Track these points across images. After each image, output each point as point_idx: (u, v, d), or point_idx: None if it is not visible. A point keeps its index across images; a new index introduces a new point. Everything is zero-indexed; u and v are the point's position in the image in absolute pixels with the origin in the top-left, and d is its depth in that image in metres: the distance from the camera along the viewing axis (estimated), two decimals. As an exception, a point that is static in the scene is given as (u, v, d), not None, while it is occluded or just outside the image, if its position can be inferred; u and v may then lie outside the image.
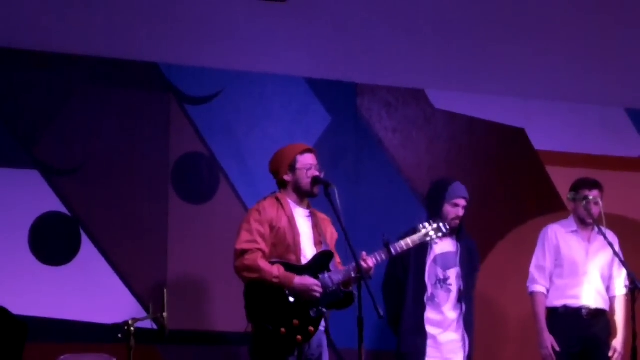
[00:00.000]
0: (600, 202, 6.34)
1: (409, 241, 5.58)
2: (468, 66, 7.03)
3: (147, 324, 6.15)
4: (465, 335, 6.15)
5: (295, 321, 5.25)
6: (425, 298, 6.12)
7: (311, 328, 5.28)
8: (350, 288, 5.35)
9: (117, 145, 6.66)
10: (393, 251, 5.48)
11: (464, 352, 6.14)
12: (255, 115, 6.98)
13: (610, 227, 6.33)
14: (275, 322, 5.24)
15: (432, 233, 5.69)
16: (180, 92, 6.83)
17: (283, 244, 5.40)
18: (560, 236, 6.45)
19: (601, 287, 6.41)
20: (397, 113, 7.34)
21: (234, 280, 5.45)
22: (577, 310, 6.32)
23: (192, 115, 6.85)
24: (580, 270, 6.38)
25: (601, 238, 6.17)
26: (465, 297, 6.16)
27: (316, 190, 5.47)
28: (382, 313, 4.87)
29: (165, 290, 6.28)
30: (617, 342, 6.35)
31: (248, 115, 6.96)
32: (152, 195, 6.68)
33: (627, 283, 5.93)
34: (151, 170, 6.71)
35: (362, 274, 5.05)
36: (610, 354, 6.31)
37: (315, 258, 5.40)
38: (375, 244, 5.46)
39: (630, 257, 6.27)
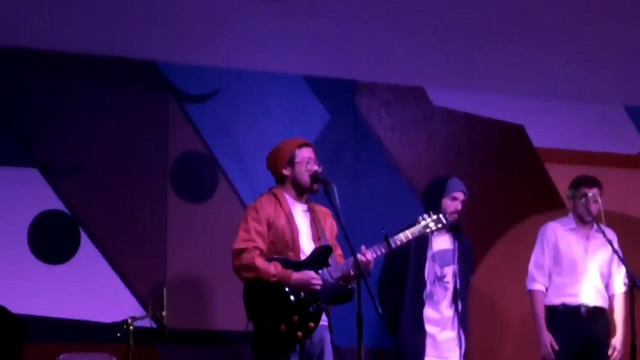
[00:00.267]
0: (600, 200, 6.33)
1: (408, 233, 5.53)
2: (467, 64, 7.03)
3: (147, 322, 6.14)
4: (461, 333, 6.15)
5: (295, 317, 5.25)
6: (424, 295, 6.12)
7: (311, 324, 5.28)
8: (349, 285, 5.35)
9: (116, 144, 6.66)
10: (392, 244, 5.44)
11: (460, 350, 6.15)
12: (254, 113, 6.97)
13: (609, 224, 6.33)
14: (274, 320, 5.24)
15: (431, 224, 5.63)
16: (179, 90, 6.83)
17: (281, 241, 5.40)
18: (559, 234, 6.45)
19: (600, 285, 6.40)
20: (396, 111, 7.33)
21: (234, 278, 5.44)
22: (576, 309, 6.32)
23: (191, 114, 6.84)
24: (579, 268, 6.37)
25: (600, 236, 6.17)
26: (461, 295, 6.16)
27: (315, 187, 5.47)
28: (380, 310, 4.86)
29: (164, 289, 6.27)
30: (616, 340, 6.34)
31: (247, 114, 6.96)
32: (151, 193, 6.68)
33: (626, 281, 5.92)
34: (150, 168, 6.71)
35: (361, 272, 5.04)
36: (609, 352, 6.31)
37: (314, 253, 5.41)
38: (375, 242, 5.43)
39: (630, 254, 6.26)
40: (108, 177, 6.61)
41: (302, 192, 5.54)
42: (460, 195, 6.18)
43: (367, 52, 6.77)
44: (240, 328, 5.45)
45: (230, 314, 6.36)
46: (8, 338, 5.62)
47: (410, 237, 5.55)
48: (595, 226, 6.28)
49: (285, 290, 5.27)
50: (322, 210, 5.60)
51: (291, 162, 5.51)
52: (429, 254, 6.14)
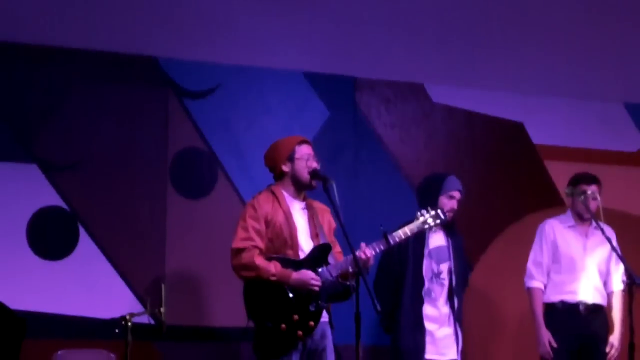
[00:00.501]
0: (598, 197, 6.33)
1: (407, 230, 5.52)
2: (467, 61, 7.03)
3: (145, 319, 6.15)
4: (458, 329, 6.16)
5: (295, 316, 5.26)
6: (423, 292, 6.12)
7: (311, 322, 5.29)
8: (348, 282, 5.35)
9: (116, 140, 6.66)
10: (391, 241, 5.45)
11: (457, 346, 6.15)
12: (253, 110, 6.97)
13: (608, 222, 6.33)
14: (275, 319, 5.25)
15: (430, 220, 5.62)
16: (179, 86, 6.83)
17: (280, 239, 5.40)
18: (558, 231, 6.45)
19: (598, 283, 6.40)
20: (396, 108, 7.33)
21: (232, 275, 5.44)
22: (575, 306, 6.32)
23: (191, 110, 6.84)
24: (578, 266, 6.37)
25: (599, 233, 6.17)
26: (456, 292, 6.16)
27: (314, 183, 5.47)
28: (379, 308, 4.86)
29: (163, 285, 6.27)
30: (614, 338, 6.34)
31: (246, 110, 6.96)
32: (150, 190, 6.68)
33: (625, 278, 5.92)
34: (149, 164, 6.71)
35: (360, 270, 5.04)
36: (607, 349, 6.31)
37: (313, 251, 5.41)
38: (374, 239, 5.44)
39: (629, 252, 6.27)
40: (107, 173, 6.61)
41: (300, 189, 5.54)
42: (457, 194, 6.17)
43: (367, 48, 6.77)
44: (239, 324, 5.46)
45: (228, 310, 6.36)
46: (7, 334, 5.62)
47: (409, 233, 5.55)
48: (593, 223, 6.28)
49: (285, 289, 5.28)
50: (320, 207, 5.60)
51: (291, 158, 5.51)
52: (426, 251, 6.14)
